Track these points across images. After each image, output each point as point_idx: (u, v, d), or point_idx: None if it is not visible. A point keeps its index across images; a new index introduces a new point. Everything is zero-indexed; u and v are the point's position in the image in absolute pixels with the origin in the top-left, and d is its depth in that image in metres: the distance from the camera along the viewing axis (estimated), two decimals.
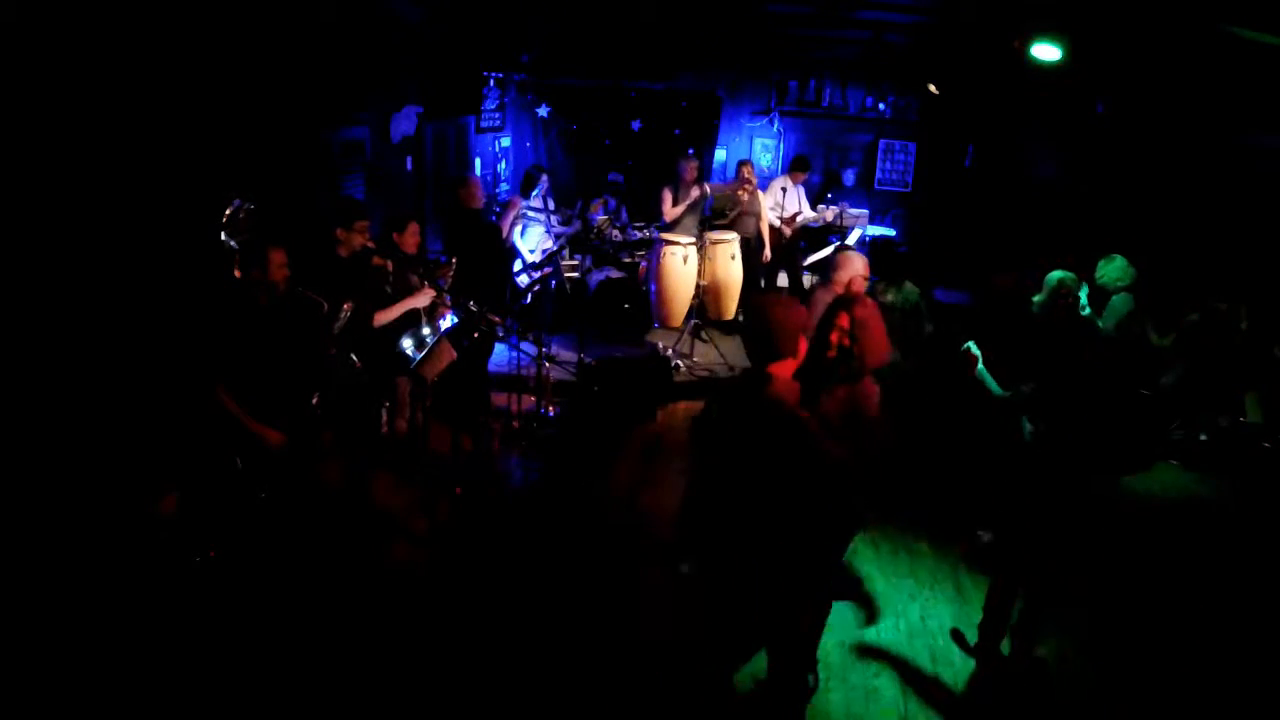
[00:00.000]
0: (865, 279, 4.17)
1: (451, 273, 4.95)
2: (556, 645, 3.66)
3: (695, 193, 7.39)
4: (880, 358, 2.98)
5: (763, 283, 7.89)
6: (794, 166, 8.14)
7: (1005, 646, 3.73)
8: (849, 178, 9.25)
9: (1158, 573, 4.38)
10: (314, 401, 3.86)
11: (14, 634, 2.99)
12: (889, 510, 4.77)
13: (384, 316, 4.46)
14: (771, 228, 7.79)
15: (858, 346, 2.94)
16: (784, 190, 8.02)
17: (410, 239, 4.79)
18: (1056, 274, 4.78)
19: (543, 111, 9.12)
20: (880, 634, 3.88)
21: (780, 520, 2.78)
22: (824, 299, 3.55)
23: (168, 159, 3.92)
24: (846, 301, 3.06)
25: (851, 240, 8.01)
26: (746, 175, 7.52)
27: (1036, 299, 4.99)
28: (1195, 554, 4.57)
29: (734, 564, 3.04)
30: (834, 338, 2.97)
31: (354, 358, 4.20)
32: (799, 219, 7.97)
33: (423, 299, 4.65)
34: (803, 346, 2.87)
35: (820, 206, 8.35)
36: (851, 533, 3.25)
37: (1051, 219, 8.03)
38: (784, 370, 2.78)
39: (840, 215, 8.22)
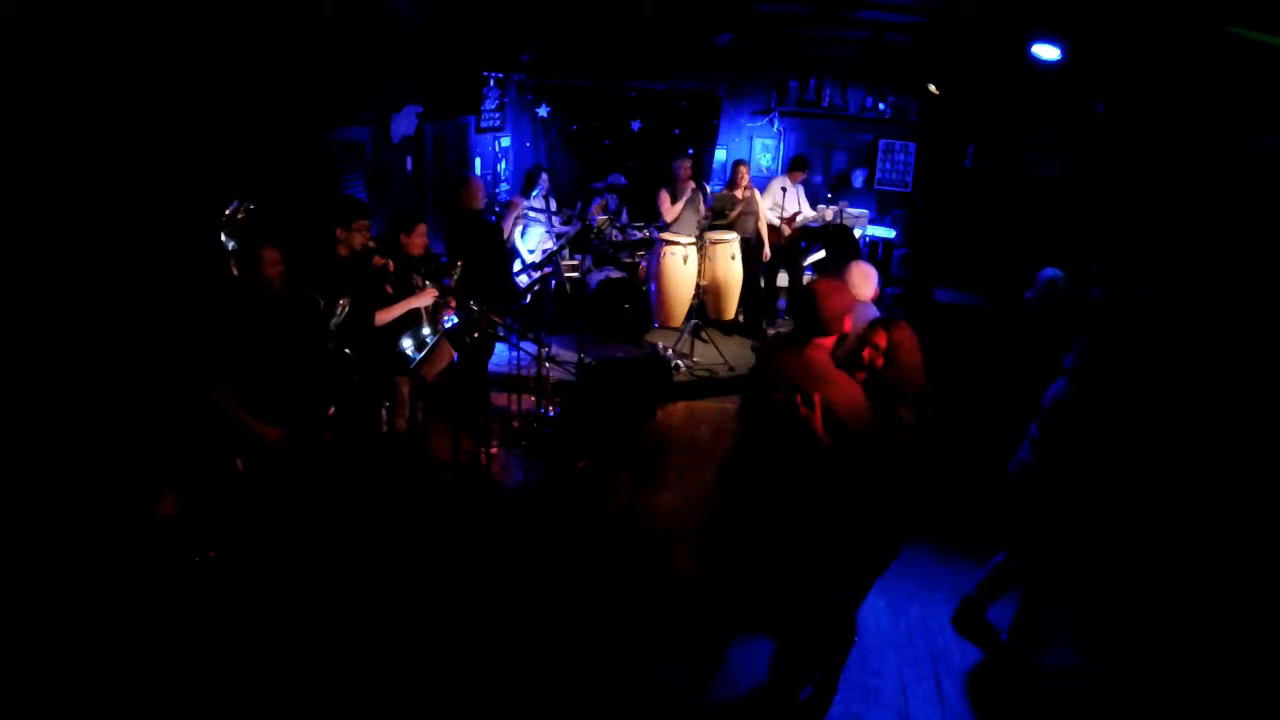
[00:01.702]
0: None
1: (457, 273, 4.94)
2: (556, 644, 3.66)
3: (691, 186, 7.38)
4: (915, 384, 2.93)
5: (762, 283, 7.89)
6: (793, 166, 8.15)
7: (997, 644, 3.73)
8: (858, 179, 9.25)
9: (1158, 574, 4.38)
10: (329, 413, 3.91)
11: (15, 634, 2.99)
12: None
13: (385, 316, 4.46)
14: (771, 227, 7.79)
15: (892, 370, 2.92)
16: (784, 190, 8.02)
17: (417, 240, 4.79)
18: (1048, 271, 4.85)
19: (543, 111, 9.11)
20: (880, 633, 3.88)
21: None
22: None
23: (168, 159, 3.92)
24: (886, 321, 3.04)
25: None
26: (744, 184, 7.50)
27: (1029, 294, 5.05)
28: (1195, 555, 4.57)
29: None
30: (866, 354, 2.95)
31: (347, 351, 4.20)
32: (799, 219, 7.98)
33: (424, 299, 4.65)
34: (847, 326, 2.99)
35: (820, 206, 8.35)
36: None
37: (1051, 219, 8.03)
38: (826, 344, 2.97)
39: (840, 215, 8.22)
